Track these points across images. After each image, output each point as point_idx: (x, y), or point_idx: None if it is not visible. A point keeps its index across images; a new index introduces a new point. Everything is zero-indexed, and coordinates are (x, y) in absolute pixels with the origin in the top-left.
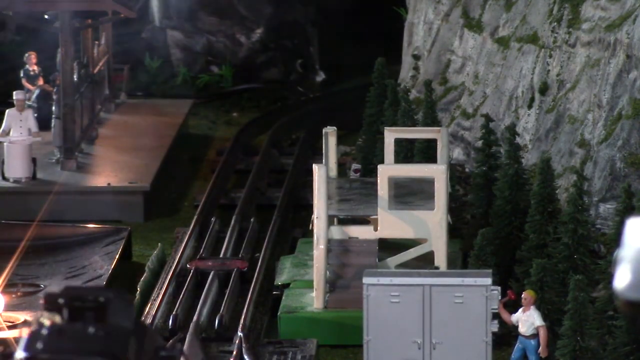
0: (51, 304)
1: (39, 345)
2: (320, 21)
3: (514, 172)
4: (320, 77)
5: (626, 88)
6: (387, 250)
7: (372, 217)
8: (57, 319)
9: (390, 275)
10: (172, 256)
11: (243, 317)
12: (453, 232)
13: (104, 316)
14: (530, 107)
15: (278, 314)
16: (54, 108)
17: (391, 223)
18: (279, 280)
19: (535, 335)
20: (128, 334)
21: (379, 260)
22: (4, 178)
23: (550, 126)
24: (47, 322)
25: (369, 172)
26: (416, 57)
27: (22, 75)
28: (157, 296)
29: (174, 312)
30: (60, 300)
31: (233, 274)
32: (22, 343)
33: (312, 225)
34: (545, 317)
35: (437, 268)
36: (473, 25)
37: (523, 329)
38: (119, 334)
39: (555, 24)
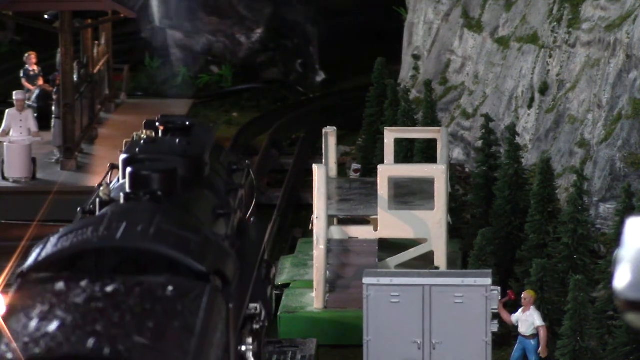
0: (149, 126)
1: (137, 149)
2: (320, 21)
3: (514, 172)
4: (320, 77)
5: (626, 88)
6: (387, 250)
7: (372, 217)
8: (152, 134)
9: (390, 275)
10: None
11: None
12: (453, 232)
13: (188, 134)
14: (530, 107)
15: (278, 314)
16: (54, 108)
17: (391, 223)
18: (279, 280)
19: (535, 335)
20: (206, 146)
21: (379, 260)
22: (4, 178)
23: (550, 126)
24: (144, 136)
25: (369, 172)
26: (416, 57)
27: (22, 75)
28: None
29: None
30: (156, 123)
31: None
32: (125, 149)
33: (312, 225)
34: (545, 317)
35: (437, 268)
36: (473, 25)
37: (523, 329)
38: (199, 145)
39: (555, 24)
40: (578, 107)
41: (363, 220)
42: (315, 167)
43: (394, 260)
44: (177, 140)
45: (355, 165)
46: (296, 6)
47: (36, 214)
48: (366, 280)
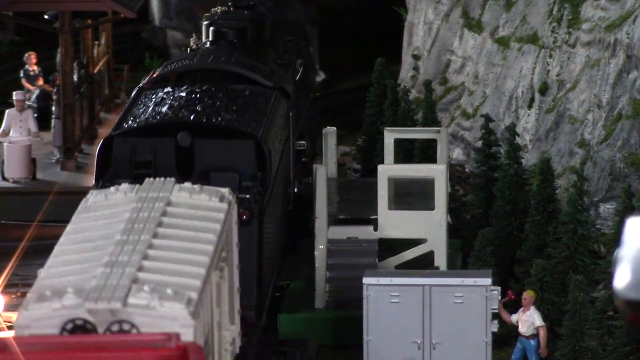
0: (222, 5)
1: (215, 17)
2: (320, 21)
3: (514, 172)
4: (320, 77)
5: (626, 88)
6: (387, 250)
7: (372, 217)
8: (226, 9)
9: (390, 275)
10: None
11: None
12: (453, 232)
13: (253, 9)
14: (530, 107)
15: (278, 314)
16: (54, 108)
17: (391, 223)
18: (279, 281)
19: (535, 335)
20: (267, 17)
21: (379, 260)
22: (4, 178)
23: (550, 126)
24: (219, 10)
25: (369, 172)
26: (416, 57)
27: (22, 75)
28: None
29: None
30: (229, 3)
31: None
32: (205, 19)
33: (312, 225)
34: (545, 317)
35: (437, 268)
36: (473, 25)
37: (523, 329)
38: (262, 15)
39: (555, 24)
40: (578, 107)
41: (363, 220)
42: (315, 167)
43: (394, 260)
44: (245, 12)
45: (355, 166)
46: (296, 6)
47: (36, 214)
48: (366, 280)
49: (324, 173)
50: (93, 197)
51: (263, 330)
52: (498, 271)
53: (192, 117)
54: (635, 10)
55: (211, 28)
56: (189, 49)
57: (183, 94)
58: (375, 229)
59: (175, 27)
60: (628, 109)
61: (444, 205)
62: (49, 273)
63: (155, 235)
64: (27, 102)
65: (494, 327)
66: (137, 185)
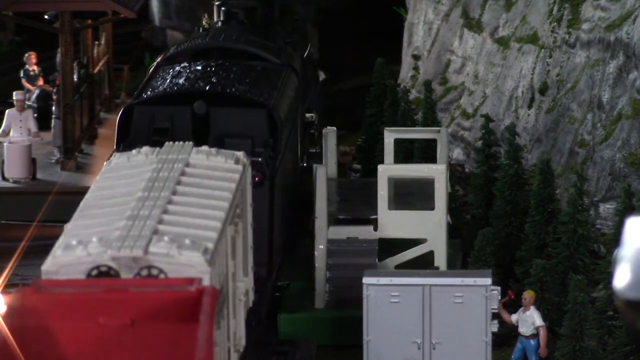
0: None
1: None
2: (320, 21)
3: (514, 172)
4: (320, 77)
5: (626, 88)
6: (387, 250)
7: (372, 217)
8: None
9: (390, 275)
10: None
11: None
12: (453, 232)
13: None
14: (530, 107)
15: (278, 314)
16: (54, 108)
17: (391, 223)
18: (279, 280)
19: (535, 335)
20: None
21: (379, 260)
22: (4, 178)
23: (550, 126)
24: None
25: (369, 172)
26: (416, 57)
27: (22, 75)
28: None
29: None
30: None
31: None
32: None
33: (312, 225)
34: (545, 317)
35: (437, 268)
36: (473, 25)
37: (523, 329)
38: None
39: (555, 24)
40: (578, 107)
41: (363, 220)
42: (315, 167)
43: (394, 260)
44: None
45: (355, 166)
46: (296, 6)
47: (36, 214)
48: (366, 280)
49: (324, 173)
50: (116, 159)
51: (273, 288)
52: (498, 271)
53: (207, 87)
54: (635, 10)
55: (222, 8)
56: (201, 28)
57: (199, 68)
58: (375, 229)
59: (175, 27)
60: (628, 109)
61: (444, 205)
62: (75, 225)
63: (174, 193)
64: (27, 102)
65: (494, 327)
66: (158, 149)
